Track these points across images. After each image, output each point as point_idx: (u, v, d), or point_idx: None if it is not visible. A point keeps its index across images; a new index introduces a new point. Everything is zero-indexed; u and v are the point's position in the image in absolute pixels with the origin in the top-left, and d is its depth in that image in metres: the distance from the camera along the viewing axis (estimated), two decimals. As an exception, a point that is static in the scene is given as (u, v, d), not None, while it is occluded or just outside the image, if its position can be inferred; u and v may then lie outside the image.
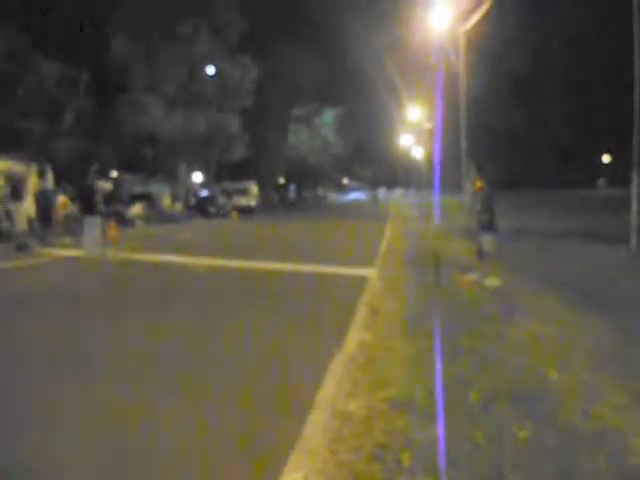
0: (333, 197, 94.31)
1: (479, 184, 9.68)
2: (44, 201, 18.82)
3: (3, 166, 22.46)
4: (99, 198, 14.38)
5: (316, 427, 3.61)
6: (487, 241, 9.19)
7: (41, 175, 21.48)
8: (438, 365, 4.49)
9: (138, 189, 35.10)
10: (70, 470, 3.26)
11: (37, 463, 3.34)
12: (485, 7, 18.00)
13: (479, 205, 9.53)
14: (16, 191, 17.20)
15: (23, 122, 27.23)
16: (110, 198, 26.97)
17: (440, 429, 3.36)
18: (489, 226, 9.21)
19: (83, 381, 4.75)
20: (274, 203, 55.20)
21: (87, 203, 14.11)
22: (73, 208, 21.92)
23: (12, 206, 17.09)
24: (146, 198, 31.27)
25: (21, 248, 14.82)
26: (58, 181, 25.71)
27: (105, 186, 17.92)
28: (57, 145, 28.61)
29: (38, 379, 4.81)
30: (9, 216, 17.36)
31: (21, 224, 16.31)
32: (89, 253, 13.49)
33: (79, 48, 31.36)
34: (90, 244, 13.58)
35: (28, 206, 17.85)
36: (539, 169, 64.58)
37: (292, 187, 68.95)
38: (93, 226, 13.65)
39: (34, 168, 20.56)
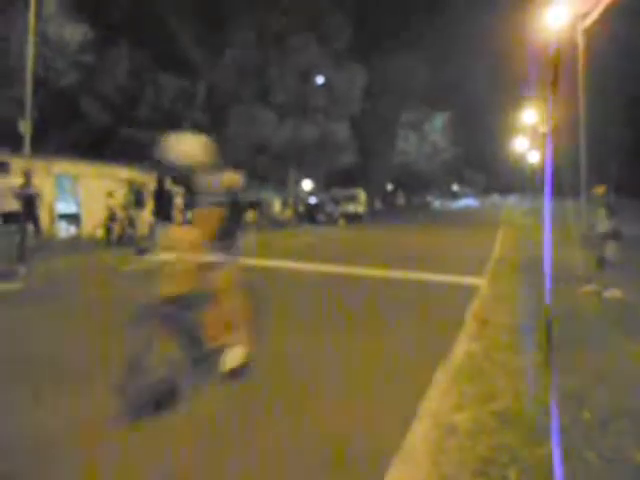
0: (443, 204, 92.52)
1: (602, 189, 9.13)
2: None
3: (126, 175, 24.05)
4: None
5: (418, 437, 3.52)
6: (609, 250, 8.63)
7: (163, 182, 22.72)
8: (550, 379, 4.25)
9: (250, 197, 36.35)
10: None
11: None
12: (605, 4, 16.97)
13: (601, 211, 8.99)
14: (138, 199, 18.27)
15: (144, 134, 29.01)
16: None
17: (550, 447, 3.17)
18: (612, 234, 8.64)
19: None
20: (382, 210, 55.06)
21: (162, 210, 14.37)
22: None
23: (134, 213, 18.25)
24: (258, 205, 32.28)
25: (141, 252, 15.71)
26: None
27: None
28: (175, 156, 30.20)
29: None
30: (132, 222, 18.54)
31: (142, 230, 17.31)
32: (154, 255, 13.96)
33: (193, 63, 33.04)
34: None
35: (149, 213, 18.93)
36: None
37: (400, 194, 68.38)
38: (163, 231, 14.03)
39: (154, 177, 21.83)
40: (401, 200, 67.42)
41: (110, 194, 20.61)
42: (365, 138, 46.26)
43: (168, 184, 16.10)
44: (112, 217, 20.48)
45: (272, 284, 10.98)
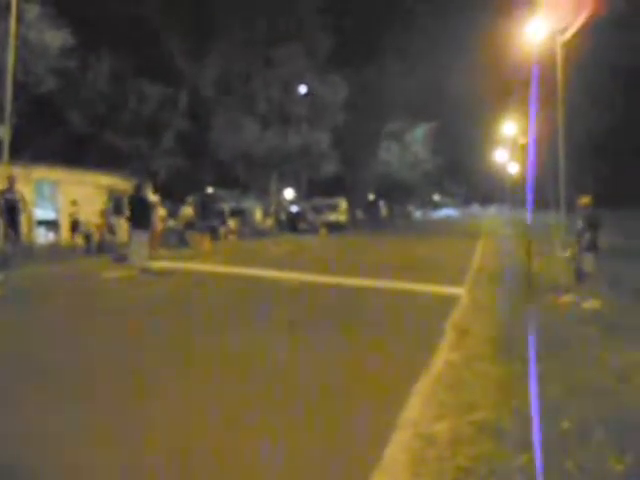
0: (424, 214, 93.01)
1: (584, 200, 9.22)
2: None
3: (107, 182, 23.89)
4: (154, 212, 14.90)
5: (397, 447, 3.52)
6: (587, 261, 8.74)
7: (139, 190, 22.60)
8: (528, 389, 4.27)
9: (232, 205, 36.29)
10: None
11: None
12: (584, 19, 17.26)
13: (581, 223, 9.09)
14: (118, 206, 18.13)
15: (126, 141, 28.85)
16: (205, 213, 28.00)
17: (530, 457, 3.18)
18: (590, 245, 8.75)
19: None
20: (363, 220, 55.20)
21: (140, 216, 14.28)
22: (170, 222, 22.96)
23: (114, 220, 18.11)
24: (239, 213, 32.21)
25: (120, 260, 15.59)
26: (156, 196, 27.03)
27: (155, 199, 18.57)
28: (157, 163, 30.08)
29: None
30: (111, 229, 18.40)
31: (121, 237, 17.18)
32: (133, 263, 14.00)
33: (177, 70, 33.02)
34: (134, 255, 14.10)
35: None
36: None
37: (381, 203, 68.55)
38: (140, 238, 14.06)
39: (143, 183, 21.69)
40: (383, 210, 67.58)
41: (73, 202, 20.67)
42: (347, 148, 46.40)
43: (147, 192, 16.10)
44: (75, 226, 20.47)
45: (251, 292, 10.95)
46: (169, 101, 30.90)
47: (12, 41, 16.70)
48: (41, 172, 22.59)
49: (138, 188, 14.88)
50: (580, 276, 8.83)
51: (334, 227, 39.68)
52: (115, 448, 3.63)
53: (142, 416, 4.20)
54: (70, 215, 21.03)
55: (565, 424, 3.68)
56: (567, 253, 10.14)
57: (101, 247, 19.64)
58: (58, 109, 26.46)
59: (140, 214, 14.10)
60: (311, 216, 39.68)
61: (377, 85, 50.23)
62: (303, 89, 39.43)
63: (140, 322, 7.78)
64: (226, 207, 32.11)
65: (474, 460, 3.23)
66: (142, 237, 14.05)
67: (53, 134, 26.62)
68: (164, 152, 30.75)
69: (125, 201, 17.20)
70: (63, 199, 23.14)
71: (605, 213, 10.04)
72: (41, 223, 22.54)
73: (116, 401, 4.53)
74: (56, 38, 22.16)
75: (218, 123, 35.97)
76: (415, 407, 4.23)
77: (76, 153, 26.97)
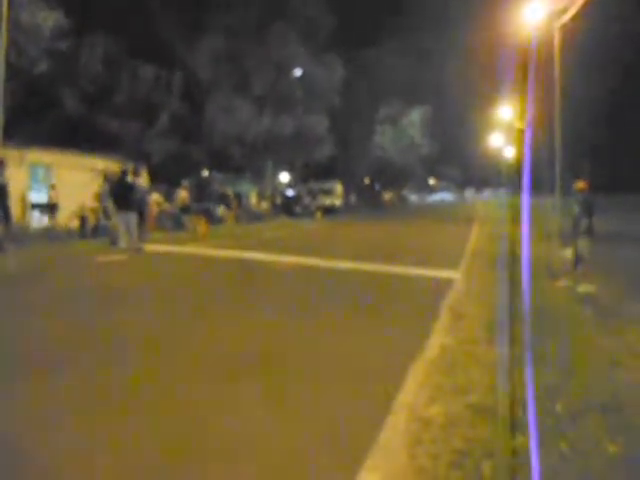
0: (420, 198, 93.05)
1: (582, 184, 9.22)
2: (139, 199, 19.72)
3: (102, 165, 23.75)
4: (137, 195, 15.14)
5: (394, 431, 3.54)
6: (582, 246, 8.77)
7: (136, 174, 22.55)
8: (525, 372, 4.31)
9: (227, 188, 36.20)
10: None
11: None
12: (581, 1, 17.12)
13: (577, 208, 9.10)
14: (113, 189, 18.08)
15: (120, 124, 28.65)
16: (200, 197, 27.95)
17: (524, 439, 3.21)
18: (586, 230, 8.77)
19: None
20: (359, 203, 55.21)
21: (123, 199, 14.51)
22: (166, 205, 22.91)
23: (109, 203, 18.04)
24: (235, 198, 32.13)
25: (115, 243, 15.57)
26: (152, 180, 26.93)
27: (142, 182, 18.90)
28: (151, 145, 29.90)
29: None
30: (106, 213, 18.33)
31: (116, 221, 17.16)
32: (122, 245, 14.20)
33: (172, 51, 32.69)
34: (123, 237, 14.30)
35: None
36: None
37: (377, 187, 68.51)
38: (128, 221, 14.28)
39: (130, 167, 21.60)
40: (379, 193, 67.56)
41: (52, 187, 21.12)
42: (343, 131, 46.27)
43: (133, 177, 16.21)
44: (53, 208, 20.95)
45: (247, 276, 10.96)
46: (163, 83, 30.66)
47: (4, 23, 16.47)
48: (35, 155, 22.44)
49: (123, 173, 15.24)
50: (576, 261, 8.86)
51: (329, 211, 39.69)
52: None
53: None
54: (50, 198, 21.55)
55: (559, 406, 3.72)
56: (568, 254, 10.08)
57: (96, 231, 19.60)
58: (51, 91, 26.22)
59: (123, 197, 14.34)
60: (306, 200, 39.69)
61: (373, 68, 50.00)
62: (298, 72, 39.17)
63: (128, 304, 7.78)
64: (230, 192, 32.17)
65: (469, 442, 3.27)
66: (129, 219, 14.22)
67: (47, 117, 26.40)
68: (158, 135, 30.55)
69: (104, 184, 17.46)
70: (57, 182, 23.03)
71: (598, 199, 10.03)
72: (35, 206, 22.44)
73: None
74: (49, 19, 21.90)
75: (213, 105, 35.76)
76: (410, 390, 4.26)
77: (70, 136, 26.75)
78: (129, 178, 15.34)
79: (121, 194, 14.55)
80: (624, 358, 4.87)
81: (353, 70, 43.79)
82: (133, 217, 14.45)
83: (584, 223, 8.73)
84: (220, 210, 29.12)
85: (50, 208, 21.70)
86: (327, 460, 3.22)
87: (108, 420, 3.74)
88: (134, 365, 5.00)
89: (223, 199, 31.06)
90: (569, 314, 6.59)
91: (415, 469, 3.00)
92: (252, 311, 7.44)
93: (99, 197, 19.84)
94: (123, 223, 14.48)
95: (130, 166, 16.79)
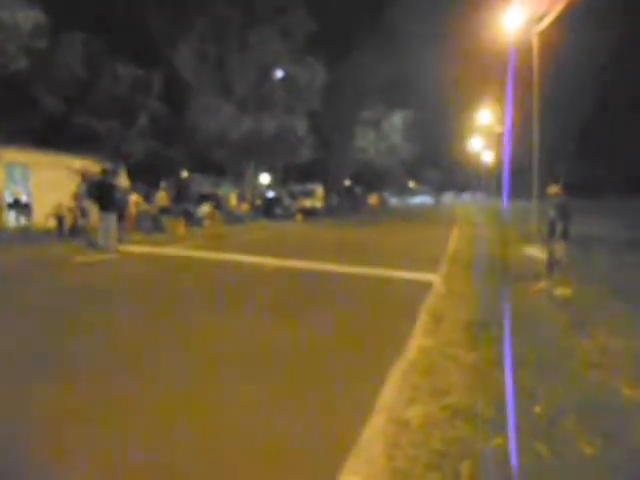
0: (400, 201, 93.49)
1: (554, 189, 9.32)
2: (117, 199, 19.60)
3: (80, 165, 23.54)
4: (118, 195, 15.22)
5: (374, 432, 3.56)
6: (559, 249, 8.88)
7: (114, 174, 22.42)
8: (501, 375, 4.36)
9: (207, 189, 36.06)
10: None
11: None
12: (560, 8, 17.39)
13: (552, 211, 9.20)
14: (91, 189, 17.97)
15: (99, 123, 28.40)
16: (180, 198, 27.82)
17: (502, 440, 3.25)
18: (562, 234, 8.88)
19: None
20: (339, 206, 55.27)
21: (105, 200, 14.49)
22: (145, 206, 22.76)
23: (87, 203, 17.89)
24: (214, 198, 32.01)
25: (92, 244, 15.43)
26: (131, 180, 26.75)
27: (121, 183, 18.98)
28: (130, 145, 29.68)
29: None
30: (84, 213, 18.17)
31: (95, 221, 17.03)
32: (101, 246, 14.18)
33: (153, 51, 32.50)
34: (103, 238, 14.28)
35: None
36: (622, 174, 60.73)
37: (358, 190, 68.68)
38: (108, 222, 14.27)
39: (110, 167, 21.44)
40: (359, 196, 67.71)
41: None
42: (324, 134, 46.33)
43: (119, 177, 16.17)
44: (25, 207, 21.07)
45: (222, 278, 10.91)
46: (144, 83, 30.45)
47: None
48: (12, 154, 22.17)
49: (105, 172, 15.17)
50: (552, 264, 8.97)
51: (310, 213, 39.67)
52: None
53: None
54: (17, 197, 21.54)
55: (537, 408, 3.76)
56: (540, 255, 10.28)
57: (74, 231, 19.40)
58: (30, 90, 25.92)
59: (105, 197, 14.27)
60: (287, 202, 39.63)
61: (355, 71, 50.12)
62: (280, 73, 39.14)
63: (102, 306, 7.72)
64: (222, 193, 32.18)
65: (448, 444, 3.30)
66: (109, 220, 14.17)
67: (24, 115, 26.07)
68: (138, 135, 30.34)
69: (91, 186, 17.36)
70: (34, 182, 22.77)
71: (574, 202, 10.16)
72: (12, 206, 22.16)
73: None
74: (28, 17, 21.68)
75: (194, 106, 35.61)
76: (390, 391, 4.28)
77: (48, 135, 26.47)
78: (110, 178, 15.26)
79: (102, 194, 14.45)
80: (599, 359, 4.94)
81: (335, 73, 43.85)
82: (113, 218, 14.38)
83: (559, 227, 8.83)
84: (204, 209, 29.03)
85: (22, 208, 21.53)
86: None
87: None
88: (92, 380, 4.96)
89: (212, 199, 31.00)
90: (545, 317, 6.67)
91: (394, 471, 3.02)
92: (222, 312, 7.42)
93: (77, 197, 19.68)
94: (103, 223, 14.39)
95: (110, 166, 16.73)
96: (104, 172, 15.40)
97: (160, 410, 4.03)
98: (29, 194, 22.90)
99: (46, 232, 19.85)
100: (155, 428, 3.73)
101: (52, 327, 6.49)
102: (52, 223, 20.27)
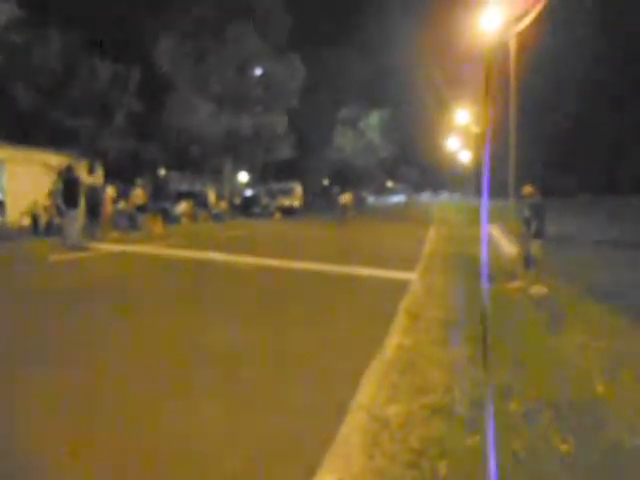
0: (377, 200, 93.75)
1: (528, 189, 9.42)
2: (93, 197, 19.31)
3: (55, 161, 23.21)
4: (83, 191, 15.21)
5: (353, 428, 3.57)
6: (535, 248, 8.97)
7: (91, 171, 22.17)
8: (478, 372, 4.39)
9: (185, 187, 35.82)
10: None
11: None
12: (538, 9, 17.56)
13: (527, 211, 9.30)
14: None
15: (75, 120, 28.02)
16: (157, 195, 27.59)
17: (479, 438, 3.28)
18: (537, 233, 8.98)
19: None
20: (318, 204, 55.25)
21: (70, 196, 14.44)
22: (122, 204, 22.53)
23: (60, 201, 17.66)
24: (192, 196, 31.82)
25: (65, 242, 15.23)
26: (108, 177, 26.45)
27: (89, 180, 18.88)
28: (107, 142, 29.34)
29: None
30: (59, 211, 17.91)
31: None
32: (66, 243, 14.16)
33: (129, 48, 32.17)
34: (68, 234, 14.28)
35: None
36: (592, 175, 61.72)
37: (335, 189, 68.79)
38: (73, 218, 14.27)
39: (84, 164, 21.17)
40: (335, 195, 67.79)
41: None
42: (302, 132, 46.29)
43: (78, 172, 16.07)
44: None
45: (198, 276, 10.85)
46: (121, 79, 30.11)
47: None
48: (-16, 150, 21.79)
49: (69, 168, 15.18)
50: (528, 263, 9.06)
51: (289, 211, 39.60)
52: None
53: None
54: None
55: (513, 406, 3.80)
56: (513, 252, 10.45)
57: (50, 229, 19.13)
58: (4, 85, 25.48)
59: (69, 193, 14.27)
60: (265, 200, 39.53)
61: (333, 70, 50.20)
62: (259, 71, 39.02)
63: (71, 305, 7.62)
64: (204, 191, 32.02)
65: (426, 442, 3.32)
66: (73, 216, 14.20)
67: (-2, 111, 25.67)
68: (114, 132, 30.01)
69: (57, 181, 17.21)
70: (7, 178, 22.38)
71: (551, 202, 10.30)
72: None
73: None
74: (2, 10, 21.32)
75: (172, 103, 35.35)
76: (368, 389, 4.29)
77: (23, 131, 26.05)
78: (74, 173, 15.20)
79: (67, 190, 14.44)
80: (575, 358, 5.02)
81: (313, 71, 43.84)
82: (78, 214, 14.44)
83: (534, 226, 8.93)
84: (181, 207, 28.86)
85: None
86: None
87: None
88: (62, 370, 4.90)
89: (192, 197, 30.86)
90: (521, 315, 6.74)
91: (372, 469, 3.02)
92: (196, 311, 7.38)
93: (52, 195, 19.41)
94: (67, 219, 14.42)
95: (76, 161, 16.59)
96: (67, 168, 15.33)
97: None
98: (2, 191, 22.52)
99: (20, 230, 19.53)
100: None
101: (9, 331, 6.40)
102: (27, 221, 19.95)
